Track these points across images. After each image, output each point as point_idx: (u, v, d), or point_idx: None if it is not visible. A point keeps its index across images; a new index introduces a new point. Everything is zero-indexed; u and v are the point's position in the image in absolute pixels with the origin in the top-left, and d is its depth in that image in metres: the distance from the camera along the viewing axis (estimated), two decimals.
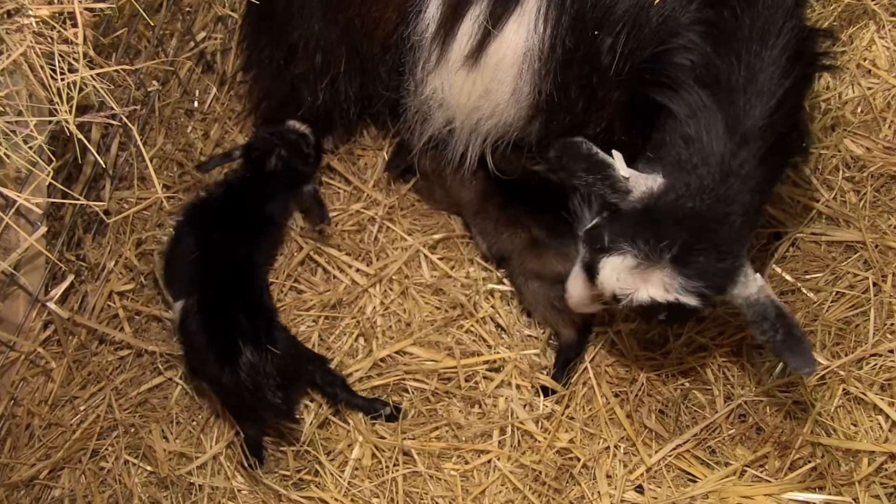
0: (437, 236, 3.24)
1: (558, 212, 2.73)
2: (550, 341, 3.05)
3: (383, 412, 2.89)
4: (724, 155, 2.28)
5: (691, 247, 2.30)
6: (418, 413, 2.95)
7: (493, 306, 3.11)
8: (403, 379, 3.00)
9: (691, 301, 2.35)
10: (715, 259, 2.33)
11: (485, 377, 3.00)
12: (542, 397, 2.95)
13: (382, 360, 3.02)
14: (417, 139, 2.88)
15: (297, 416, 2.85)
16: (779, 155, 2.38)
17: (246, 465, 2.81)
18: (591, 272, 2.44)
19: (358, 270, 3.17)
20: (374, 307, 3.12)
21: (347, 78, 2.89)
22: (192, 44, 3.45)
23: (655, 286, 2.34)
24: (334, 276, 3.18)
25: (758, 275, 2.42)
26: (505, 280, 3.14)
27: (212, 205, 3.03)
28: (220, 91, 3.50)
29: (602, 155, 2.34)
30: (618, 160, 2.35)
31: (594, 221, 2.46)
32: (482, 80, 2.60)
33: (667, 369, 2.98)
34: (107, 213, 3.13)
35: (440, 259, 3.21)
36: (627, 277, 2.35)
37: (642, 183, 2.34)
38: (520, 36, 2.50)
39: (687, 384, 2.97)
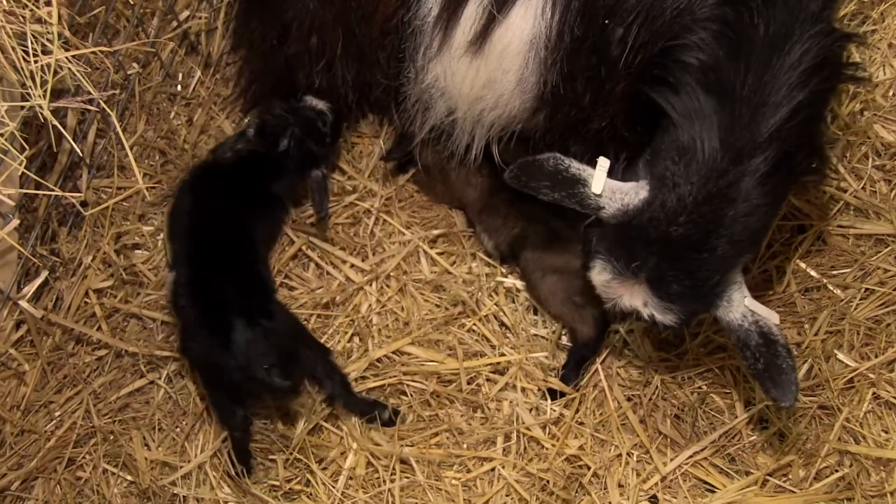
0: (437, 230, 3.24)
1: None
2: (560, 341, 3.04)
3: (381, 416, 2.89)
4: (710, 173, 2.26)
5: (664, 273, 2.34)
6: (417, 418, 2.94)
7: (497, 304, 3.11)
8: (401, 381, 3.00)
9: (667, 320, 2.40)
10: (689, 286, 2.35)
11: (488, 379, 2.99)
12: (549, 401, 2.94)
13: (379, 360, 3.02)
14: (418, 130, 2.88)
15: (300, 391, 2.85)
16: (784, 175, 2.34)
17: (233, 473, 2.80)
18: (585, 268, 2.51)
19: (353, 266, 3.17)
20: (370, 305, 3.12)
21: (344, 62, 2.90)
22: (174, 23, 3.43)
23: (635, 298, 2.41)
24: (327, 273, 3.18)
25: (748, 298, 2.43)
26: (510, 276, 3.15)
27: (217, 172, 3.05)
28: (205, 74, 3.49)
29: (573, 170, 2.39)
30: (598, 171, 2.38)
31: (591, 219, 2.50)
32: (486, 69, 2.60)
33: (683, 371, 2.98)
34: (84, 204, 3.10)
35: (440, 254, 3.21)
36: (610, 286, 2.43)
37: (618, 199, 2.37)
38: (526, 21, 2.49)
39: (704, 387, 2.97)
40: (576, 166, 2.41)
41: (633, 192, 2.37)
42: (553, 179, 2.40)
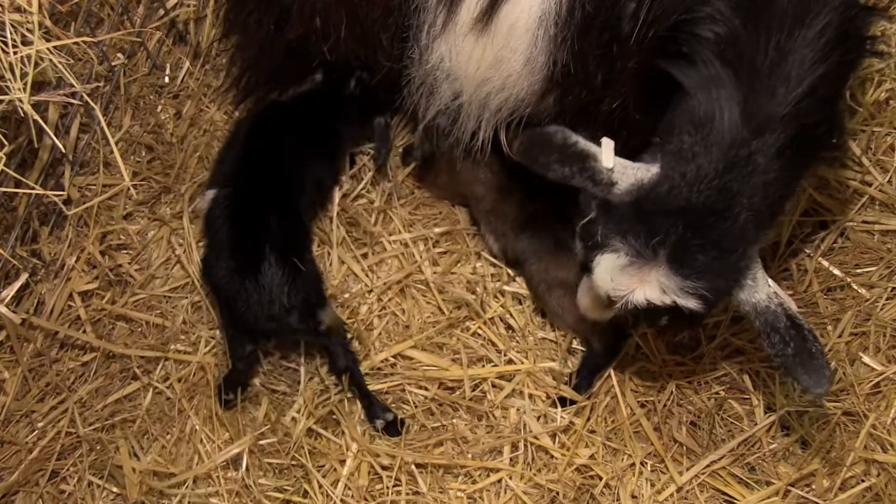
0: (439, 228, 3.22)
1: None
2: (571, 346, 3.03)
3: (385, 417, 2.89)
4: (732, 143, 2.26)
5: (687, 243, 2.30)
6: (420, 426, 2.94)
7: (503, 306, 3.10)
8: (402, 387, 2.99)
9: (690, 304, 2.35)
10: (715, 257, 2.31)
11: (494, 385, 2.98)
12: (558, 408, 2.93)
13: (379, 365, 3.01)
14: (423, 114, 2.86)
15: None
16: (803, 149, 2.34)
17: (215, 398, 2.89)
18: (587, 271, 2.47)
19: (353, 273, 3.16)
20: (370, 307, 3.10)
21: (348, 45, 2.88)
22: (161, 11, 3.44)
23: (651, 287, 2.35)
24: (327, 270, 3.16)
25: (769, 280, 2.41)
26: (517, 277, 3.13)
27: (279, 107, 3.12)
28: (195, 64, 3.49)
29: (582, 145, 2.37)
30: (605, 149, 2.37)
31: (589, 216, 2.48)
32: (493, 47, 2.59)
33: (699, 376, 2.97)
34: (66, 203, 3.09)
35: (443, 253, 3.19)
36: (621, 277, 2.36)
37: (631, 174, 2.36)
38: None
39: (722, 393, 2.95)
40: (583, 142, 2.39)
41: (644, 169, 2.36)
42: (563, 153, 2.38)
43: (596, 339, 2.93)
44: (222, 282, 2.82)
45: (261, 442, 2.85)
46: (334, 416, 2.91)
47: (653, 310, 2.38)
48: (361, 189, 3.27)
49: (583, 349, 3.02)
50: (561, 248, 2.92)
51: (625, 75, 2.50)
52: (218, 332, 3.00)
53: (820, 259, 3.07)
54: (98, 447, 2.90)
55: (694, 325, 2.73)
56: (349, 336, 2.96)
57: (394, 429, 2.90)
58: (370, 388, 2.94)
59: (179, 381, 2.98)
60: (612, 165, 2.35)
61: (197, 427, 2.91)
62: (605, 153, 2.37)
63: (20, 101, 2.31)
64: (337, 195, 3.19)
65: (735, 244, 2.32)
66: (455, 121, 2.82)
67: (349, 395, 2.92)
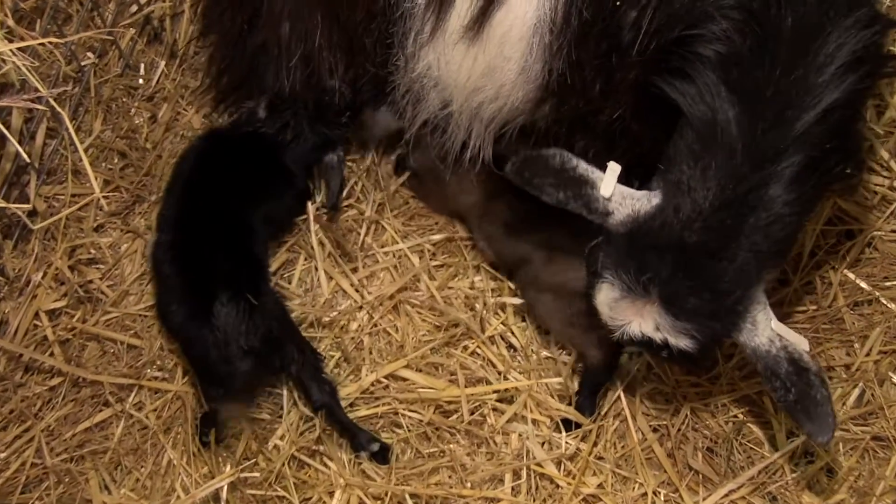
0: (435, 238, 3.21)
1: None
2: (577, 365, 3.00)
3: (370, 447, 2.85)
4: (730, 176, 2.24)
5: (678, 283, 2.30)
6: (414, 452, 2.91)
7: (503, 323, 3.08)
8: (395, 410, 2.96)
9: (682, 344, 2.35)
10: (708, 300, 2.31)
11: (494, 409, 2.96)
12: (563, 433, 2.91)
13: (370, 387, 2.98)
14: (409, 123, 2.84)
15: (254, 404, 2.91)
16: (812, 182, 2.30)
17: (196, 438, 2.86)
18: (590, 295, 2.49)
19: (343, 289, 3.14)
20: (360, 324, 3.09)
21: (326, 53, 2.86)
22: (134, 7, 3.42)
23: (646, 322, 2.37)
24: (314, 287, 3.16)
25: (774, 321, 2.38)
26: (519, 291, 3.09)
27: (227, 140, 3.11)
28: (171, 65, 3.48)
29: (581, 170, 2.38)
30: (608, 175, 2.36)
31: (598, 239, 2.49)
32: (485, 56, 2.56)
33: (716, 398, 2.95)
34: (32, 215, 3.07)
35: (439, 266, 3.18)
36: (618, 308, 2.39)
37: (629, 204, 2.36)
38: (529, 3, 2.46)
39: (740, 416, 2.94)
40: (584, 166, 2.39)
41: (644, 199, 2.36)
42: (559, 178, 2.39)
43: (589, 350, 2.89)
44: (178, 328, 2.81)
45: (243, 474, 2.80)
46: (321, 447, 2.87)
47: (651, 343, 2.39)
48: (350, 199, 3.25)
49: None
50: (552, 250, 2.91)
51: (625, 86, 2.49)
52: None
53: (846, 271, 3.05)
54: (66, 479, 2.87)
55: (697, 363, 2.68)
56: (324, 364, 2.94)
57: (382, 457, 2.87)
58: (359, 413, 2.92)
59: (155, 410, 2.94)
60: (610, 194, 2.35)
61: (174, 460, 2.86)
62: (607, 180, 2.36)
63: None
64: (311, 208, 3.14)
65: (731, 287, 2.31)
66: (444, 131, 2.80)
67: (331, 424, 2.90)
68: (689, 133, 2.30)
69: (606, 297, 2.39)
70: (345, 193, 3.24)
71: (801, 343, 2.38)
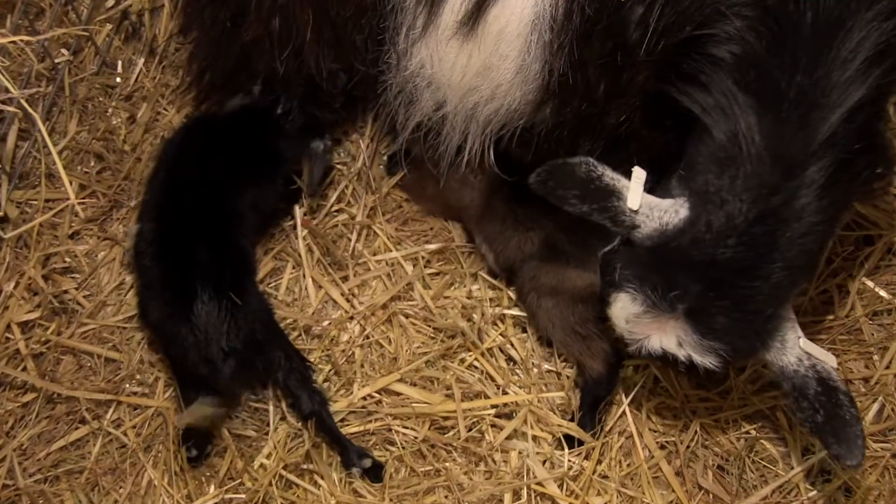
0: (431, 246, 3.19)
1: None
2: (579, 378, 2.97)
3: (361, 465, 2.82)
4: (762, 189, 2.22)
5: (708, 302, 2.29)
6: (409, 471, 2.89)
7: (502, 334, 3.06)
8: (388, 426, 2.94)
9: (708, 362, 2.34)
10: (738, 319, 2.30)
11: (493, 425, 2.94)
12: (566, 450, 2.90)
13: (362, 403, 2.95)
14: (402, 125, 2.81)
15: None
16: (843, 186, 2.28)
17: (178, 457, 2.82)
18: (604, 303, 2.48)
19: (336, 299, 3.12)
20: (351, 336, 3.07)
21: (316, 48, 2.83)
22: (111, 1, 3.40)
23: (668, 337, 2.36)
24: (302, 296, 3.13)
25: (802, 339, 2.37)
26: (518, 298, 3.07)
27: (213, 125, 3.10)
28: (150, 62, 3.46)
29: (607, 179, 2.36)
30: (634, 185, 2.35)
31: (613, 244, 2.49)
32: (480, 54, 2.53)
33: (727, 413, 2.93)
34: (3, 221, 3.08)
35: (435, 274, 3.16)
36: (637, 322, 2.37)
37: (656, 217, 2.34)
38: None
39: (753, 432, 2.92)
40: (609, 175, 2.36)
41: (672, 211, 2.33)
42: (584, 188, 2.36)
43: (588, 361, 2.87)
44: (158, 325, 2.80)
45: (227, 495, 2.77)
46: (310, 465, 2.83)
47: (669, 358, 2.37)
48: (340, 203, 3.23)
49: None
50: (553, 250, 2.91)
51: (632, 88, 2.48)
52: None
53: (864, 279, 3.04)
54: (40, 501, 2.84)
55: (713, 377, 2.69)
56: (313, 374, 2.91)
57: (374, 475, 2.84)
58: (350, 429, 2.89)
59: (134, 428, 2.90)
60: (638, 207, 2.32)
61: (155, 481, 2.83)
62: (633, 191, 2.34)
63: None
64: (299, 212, 3.13)
65: (763, 306, 2.31)
66: (438, 133, 2.78)
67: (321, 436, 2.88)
68: (710, 141, 2.28)
69: (625, 309, 2.36)
70: (335, 197, 3.21)
71: (829, 360, 2.37)
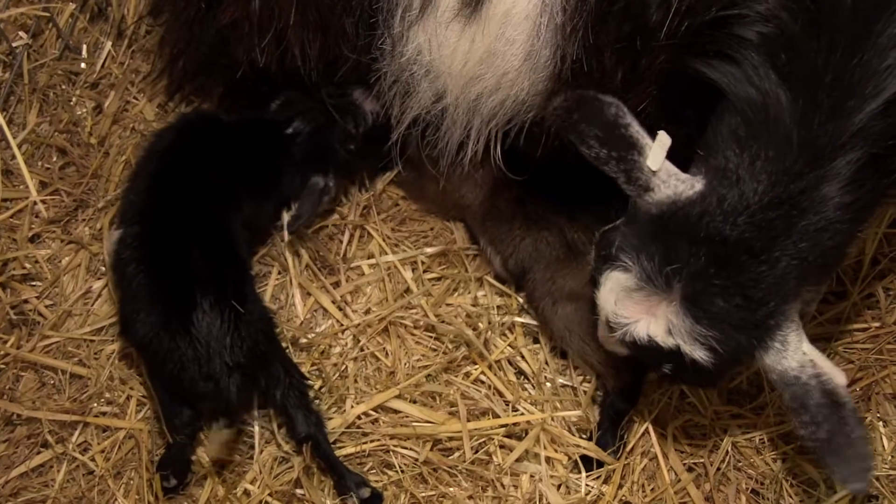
0: (430, 249, 3.18)
1: (603, 205, 2.73)
2: (598, 393, 2.95)
3: (360, 495, 2.77)
4: (784, 172, 2.22)
5: (707, 280, 2.27)
6: (409, 497, 2.85)
7: (512, 345, 3.05)
8: (386, 448, 2.90)
9: (697, 353, 2.32)
10: (737, 305, 2.28)
11: (502, 446, 2.92)
12: (583, 473, 2.87)
13: (357, 422, 2.92)
14: (398, 119, 2.78)
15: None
16: (870, 185, 2.25)
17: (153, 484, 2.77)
18: (595, 285, 2.47)
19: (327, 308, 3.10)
20: (344, 348, 3.05)
21: (301, 33, 2.78)
22: None
23: (657, 322, 2.34)
24: (289, 305, 3.11)
25: (806, 344, 2.34)
26: (530, 305, 3.05)
27: (215, 126, 3.08)
28: (118, 46, 3.43)
29: (634, 129, 2.37)
30: (658, 146, 2.35)
31: (613, 223, 2.50)
32: (483, 39, 2.52)
33: (762, 431, 2.91)
34: None
35: (436, 279, 3.15)
36: (626, 301, 2.37)
37: (672, 185, 2.35)
38: None
39: (791, 452, 2.88)
40: (637, 128, 2.37)
41: (689, 183, 2.34)
42: (608, 132, 2.37)
43: (611, 370, 2.85)
44: (146, 340, 2.72)
45: None
46: (300, 491, 2.78)
47: (654, 350, 2.35)
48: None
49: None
50: (572, 250, 2.91)
51: (651, 74, 2.46)
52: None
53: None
54: None
55: (702, 382, 2.64)
56: (311, 392, 2.87)
57: None
58: (344, 451, 2.87)
59: (103, 452, 2.85)
60: (658, 168, 2.33)
61: None
62: (656, 152, 2.34)
63: None
64: (286, 215, 3.09)
65: (766, 296, 2.28)
66: (437, 128, 2.75)
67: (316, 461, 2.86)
68: (732, 118, 2.27)
69: (616, 284, 2.36)
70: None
71: (836, 376, 2.33)
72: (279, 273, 3.10)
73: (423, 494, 2.83)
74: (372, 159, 3.16)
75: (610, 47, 2.45)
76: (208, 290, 2.68)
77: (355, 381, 2.98)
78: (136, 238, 2.79)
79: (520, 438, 2.89)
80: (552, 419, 2.92)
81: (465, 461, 2.85)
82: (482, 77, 2.60)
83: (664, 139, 2.34)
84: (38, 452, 2.89)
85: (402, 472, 2.86)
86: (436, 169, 3.00)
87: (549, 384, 3.00)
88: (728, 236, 2.25)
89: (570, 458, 2.88)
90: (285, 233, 3.10)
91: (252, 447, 2.85)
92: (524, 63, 2.53)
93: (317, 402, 2.93)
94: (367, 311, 3.07)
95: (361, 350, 3.03)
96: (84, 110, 3.33)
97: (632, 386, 2.88)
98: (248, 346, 2.69)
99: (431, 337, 3.05)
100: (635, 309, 2.36)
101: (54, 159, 3.26)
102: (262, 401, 2.91)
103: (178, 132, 3.04)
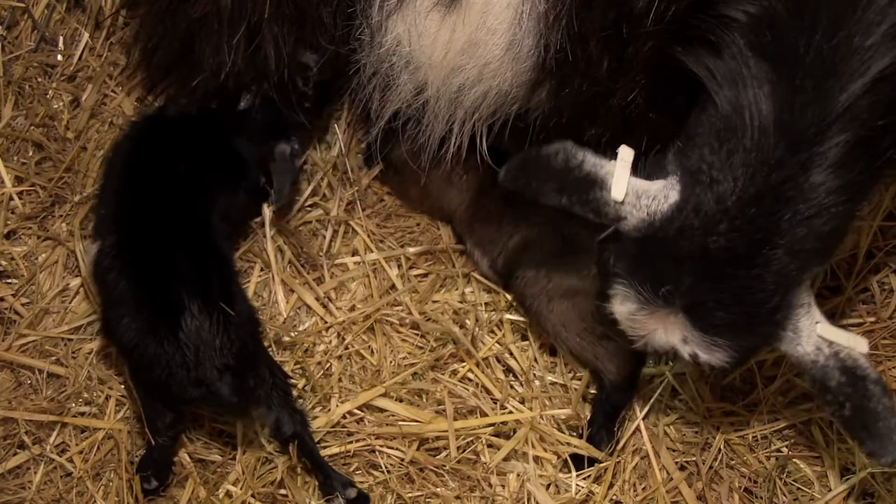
0: (413, 249, 3.19)
1: None
2: (588, 391, 2.96)
3: (346, 496, 2.79)
4: (761, 165, 2.21)
5: (703, 296, 2.29)
6: (395, 497, 2.87)
7: (500, 342, 3.06)
8: (371, 447, 2.92)
9: (715, 360, 2.35)
10: (739, 314, 2.30)
11: (489, 445, 2.93)
12: (573, 473, 2.88)
13: (342, 422, 2.93)
14: (377, 114, 2.79)
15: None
16: (864, 162, 2.25)
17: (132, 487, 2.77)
18: (604, 297, 2.48)
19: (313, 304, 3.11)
20: (328, 346, 3.06)
21: (276, 27, 2.78)
22: None
23: (672, 333, 2.36)
24: (272, 302, 3.12)
25: (820, 324, 2.36)
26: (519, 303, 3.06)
27: (167, 125, 3.07)
28: (96, 37, 3.43)
29: (588, 167, 2.34)
30: (619, 170, 2.33)
31: (608, 231, 2.48)
32: (464, 28, 2.53)
33: (755, 429, 2.93)
34: None
35: (423, 276, 3.16)
36: (637, 319, 2.39)
37: (643, 206, 2.33)
38: None
39: (785, 450, 2.92)
40: (591, 162, 2.34)
41: (661, 196, 2.32)
42: (562, 180, 2.34)
43: (607, 363, 2.86)
44: (131, 345, 2.71)
45: None
46: (283, 491, 2.80)
47: (679, 355, 2.39)
48: (314, 197, 3.21)
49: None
50: (568, 246, 2.91)
51: (638, 62, 2.45)
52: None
53: None
54: None
55: (729, 372, 2.67)
56: (294, 391, 2.88)
57: None
58: (328, 451, 2.88)
59: (81, 453, 2.86)
60: (623, 197, 2.31)
61: None
62: (618, 178, 2.31)
63: None
64: (267, 209, 3.10)
65: (767, 296, 2.29)
66: (419, 122, 2.75)
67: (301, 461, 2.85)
68: (712, 110, 2.27)
69: (622, 306, 2.38)
70: (309, 190, 3.20)
71: (857, 345, 2.36)
72: (261, 270, 3.12)
73: (410, 495, 2.86)
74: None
75: (595, 35, 2.45)
76: (196, 291, 2.68)
77: (340, 379, 3.00)
78: (115, 247, 2.79)
79: (508, 437, 2.91)
80: (542, 417, 2.93)
81: (451, 461, 2.87)
82: (463, 68, 2.61)
83: (626, 155, 2.33)
84: (15, 454, 2.92)
85: (388, 472, 2.88)
86: (418, 167, 2.99)
87: (538, 382, 3.01)
88: (710, 250, 2.25)
89: (559, 457, 2.89)
90: (269, 211, 3.07)
91: (234, 447, 2.85)
92: (506, 53, 2.54)
93: (300, 401, 2.92)
94: (352, 308, 3.08)
95: (346, 348, 3.04)
96: (61, 104, 3.34)
97: (630, 378, 2.88)
98: (238, 347, 2.69)
99: (418, 334, 3.08)
100: (648, 324, 2.37)
101: (30, 154, 3.27)
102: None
103: (133, 140, 3.02)
